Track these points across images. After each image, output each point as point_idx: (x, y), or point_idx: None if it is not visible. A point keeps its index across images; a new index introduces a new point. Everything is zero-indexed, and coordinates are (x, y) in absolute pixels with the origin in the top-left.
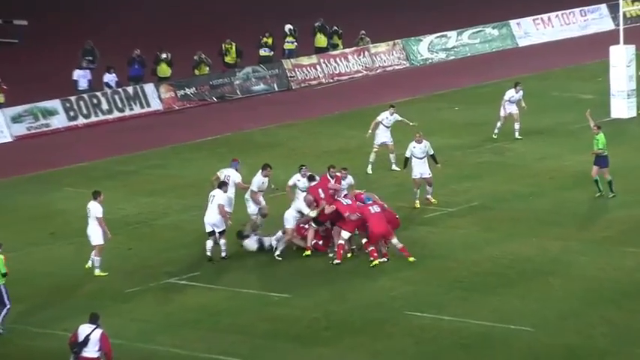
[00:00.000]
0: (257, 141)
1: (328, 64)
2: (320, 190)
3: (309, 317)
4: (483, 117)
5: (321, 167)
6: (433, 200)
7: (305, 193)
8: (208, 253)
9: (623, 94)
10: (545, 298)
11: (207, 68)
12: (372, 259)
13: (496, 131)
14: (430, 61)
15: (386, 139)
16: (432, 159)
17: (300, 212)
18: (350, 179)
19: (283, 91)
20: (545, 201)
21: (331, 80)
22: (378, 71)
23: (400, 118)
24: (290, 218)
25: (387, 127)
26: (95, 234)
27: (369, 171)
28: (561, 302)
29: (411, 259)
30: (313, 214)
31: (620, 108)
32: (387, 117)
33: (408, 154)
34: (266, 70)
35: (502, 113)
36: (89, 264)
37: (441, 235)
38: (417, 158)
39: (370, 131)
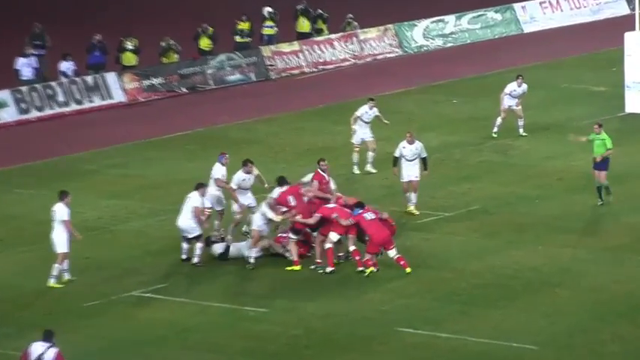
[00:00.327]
0: (232, 137)
1: (312, 52)
2: (290, 198)
3: (288, 334)
4: (485, 111)
5: (303, 166)
6: (415, 212)
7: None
8: (183, 256)
9: (638, 85)
10: (551, 312)
11: (176, 55)
12: (361, 268)
13: (495, 129)
14: (426, 48)
15: (365, 135)
16: (422, 162)
17: (264, 215)
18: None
19: (261, 82)
20: (552, 205)
21: (315, 69)
22: (367, 60)
23: (378, 114)
24: (257, 219)
25: (367, 122)
26: (60, 240)
27: (356, 171)
28: (569, 317)
29: (408, 269)
30: (277, 219)
31: (636, 101)
32: (366, 111)
33: (397, 154)
34: (242, 58)
35: (502, 107)
36: (52, 282)
37: (437, 243)
38: (407, 160)
39: (352, 127)
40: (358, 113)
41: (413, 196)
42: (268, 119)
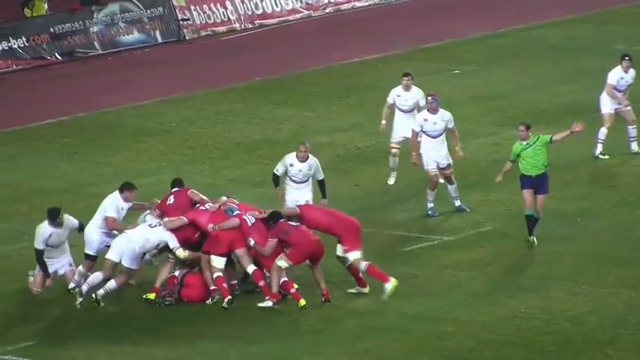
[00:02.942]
0: (128, 126)
1: (245, 0)
2: (171, 197)
3: None
4: (501, 86)
5: (231, 168)
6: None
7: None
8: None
9: None
10: None
11: (46, 6)
12: (271, 300)
13: (600, 149)
14: None
15: (408, 132)
16: (319, 187)
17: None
18: None
19: (171, 44)
20: (602, 224)
21: (250, 25)
22: (327, 10)
23: (423, 104)
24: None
25: (406, 110)
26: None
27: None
28: None
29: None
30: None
31: None
32: (398, 95)
33: (279, 172)
34: (143, 9)
35: (606, 109)
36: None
37: (432, 280)
38: (294, 182)
39: (383, 121)
40: (390, 100)
41: None
42: (180, 99)
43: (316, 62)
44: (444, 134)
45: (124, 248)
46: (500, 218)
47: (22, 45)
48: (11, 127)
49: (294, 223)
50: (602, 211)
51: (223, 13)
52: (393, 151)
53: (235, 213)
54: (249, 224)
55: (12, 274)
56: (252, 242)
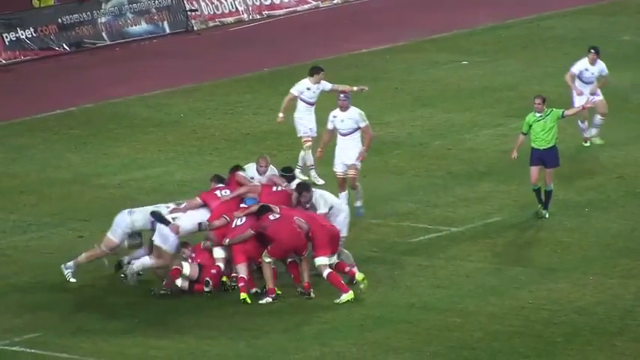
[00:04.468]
0: (136, 116)
1: None
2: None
3: None
4: (509, 77)
5: (239, 159)
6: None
7: None
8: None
9: None
10: None
11: None
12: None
13: (586, 135)
14: None
15: (311, 123)
16: None
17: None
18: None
19: (179, 35)
20: (609, 216)
21: (258, 16)
22: (335, 1)
23: (330, 86)
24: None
25: (311, 103)
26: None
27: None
28: None
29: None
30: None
31: None
32: (307, 87)
33: None
34: (150, 0)
35: (577, 101)
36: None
37: (439, 272)
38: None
39: (281, 114)
40: (296, 92)
41: None
42: (188, 90)
43: (324, 53)
44: (356, 134)
45: (163, 231)
46: (508, 209)
47: (30, 36)
48: (19, 117)
49: (273, 217)
50: (610, 202)
51: (231, 3)
52: (308, 144)
53: (247, 204)
54: (234, 226)
55: (20, 265)
56: (226, 241)
